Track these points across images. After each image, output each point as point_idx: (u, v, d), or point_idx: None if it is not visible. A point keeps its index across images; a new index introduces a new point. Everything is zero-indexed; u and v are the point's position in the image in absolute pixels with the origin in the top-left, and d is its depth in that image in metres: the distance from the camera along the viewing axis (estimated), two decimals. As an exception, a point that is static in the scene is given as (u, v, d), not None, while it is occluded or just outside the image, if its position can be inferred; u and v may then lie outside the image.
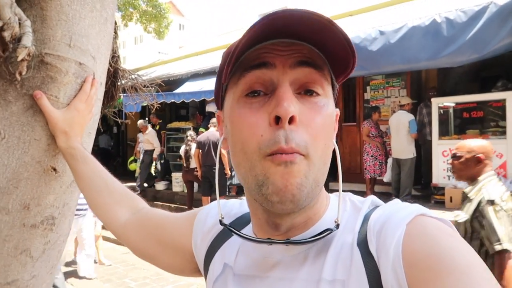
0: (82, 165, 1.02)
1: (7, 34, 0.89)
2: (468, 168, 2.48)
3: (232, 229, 0.67)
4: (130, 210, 0.97)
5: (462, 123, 6.81)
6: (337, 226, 0.61)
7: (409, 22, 5.66)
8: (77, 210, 4.68)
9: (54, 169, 1.09)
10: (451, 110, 6.91)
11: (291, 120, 0.55)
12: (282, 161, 0.56)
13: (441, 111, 6.87)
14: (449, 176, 6.50)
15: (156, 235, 0.90)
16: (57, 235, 1.18)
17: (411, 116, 6.98)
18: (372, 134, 7.59)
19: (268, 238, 0.63)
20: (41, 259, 1.14)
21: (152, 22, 13.13)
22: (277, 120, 0.56)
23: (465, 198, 2.48)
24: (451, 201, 6.11)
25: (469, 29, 5.16)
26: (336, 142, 0.68)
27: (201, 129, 8.88)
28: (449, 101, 6.92)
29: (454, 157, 2.56)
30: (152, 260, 0.93)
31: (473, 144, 2.52)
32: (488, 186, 2.32)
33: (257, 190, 0.59)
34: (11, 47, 0.92)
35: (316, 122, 0.58)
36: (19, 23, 0.92)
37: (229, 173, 7.14)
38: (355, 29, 6.36)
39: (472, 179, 2.47)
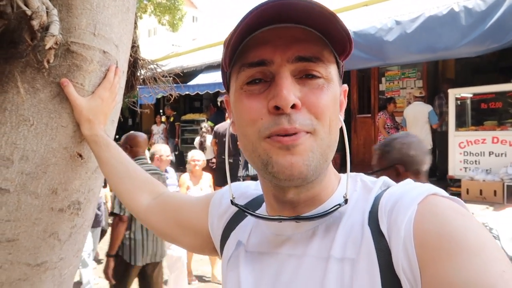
0: (105, 152, 1.05)
1: (35, 23, 0.92)
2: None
3: (243, 207, 0.69)
4: (151, 195, 1.01)
5: (480, 114, 6.70)
6: (346, 201, 0.62)
7: (426, 12, 5.56)
8: None
9: (80, 155, 1.12)
10: (468, 101, 6.80)
11: (293, 106, 0.57)
12: (284, 144, 0.57)
13: (458, 102, 6.76)
14: (465, 168, 6.42)
15: (175, 218, 0.94)
16: (82, 219, 1.21)
17: (429, 107, 6.89)
18: (387, 125, 7.52)
19: (278, 216, 0.64)
20: (68, 242, 1.17)
21: (166, 14, 13.17)
22: (277, 108, 0.57)
23: None
24: (467, 193, 6.04)
25: (489, 18, 5.05)
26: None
27: (209, 123, 8.90)
28: (467, 92, 6.81)
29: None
30: (174, 241, 0.97)
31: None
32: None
33: (263, 169, 0.61)
34: (39, 36, 0.95)
35: (319, 101, 0.59)
36: (47, 12, 0.94)
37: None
38: (371, 19, 6.28)
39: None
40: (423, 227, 0.52)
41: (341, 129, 0.65)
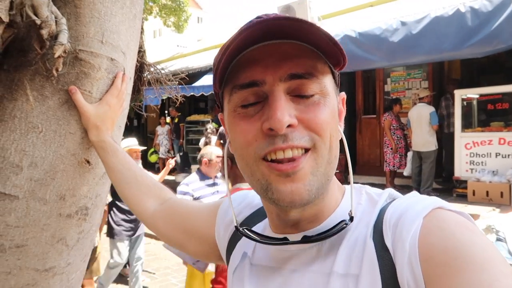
0: (112, 158, 1.06)
1: (44, 32, 0.93)
2: None
3: (247, 234, 0.67)
4: (158, 200, 1.01)
5: (486, 115, 6.67)
6: (351, 219, 0.61)
7: (432, 12, 5.53)
8: None
9: (88, 162, 1.14)
10: (474, 102, 6.77)
11: (289, 126, 0.56)
12: (283, 172, 0.56)
13: (465, 103, 6.73)
14: (472, 169, 6.39)
15: (182, 224, 0.94)
16: (90, 224, 1.23)
17: (432, 108, 6.87)
18: (393, 126, 7.51)
19: (284, 238, 0.63)
20: (76, 247, 1.19)
21: (171, 16, 13.23)
22: (271, 129, 0.56)
23: None
24: (473, 194, 6.01)
25: (495, 19, 5.01)
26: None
27: (214, 124, 8.91)
28: (473, 93, 6.77)
29: None
30: (180, 247, 0.97)
31: None
32: None
33: (263, 194, 0.60)
34: (48, 44, 0.96)
35: (317, 118, 0.58)
36: (56, 21, 0.95)
37: None
38: (376, 20, 6.26)
39: None
40: (428, 241, 0.51)
41: (341, 141, 0.65)
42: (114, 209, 4.30)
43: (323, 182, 0.59)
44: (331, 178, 0.62)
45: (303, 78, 0.57)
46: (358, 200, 0.67)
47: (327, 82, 0.60)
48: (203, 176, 3.84)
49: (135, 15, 1.21)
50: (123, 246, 4.33)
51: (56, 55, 0.95)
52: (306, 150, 0.58)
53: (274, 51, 0.57)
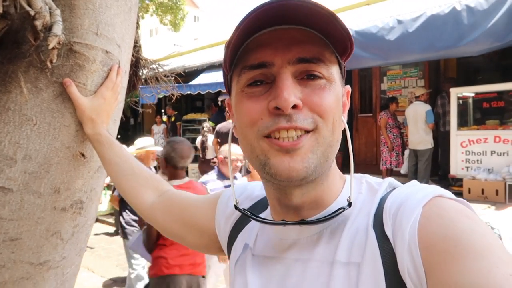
0: (108, 151, 1.06)
1: (38, 23, 0.92)
2: None
3: (247, 212, 0.68)
4: (155, 192, 1.01)
5: (482, 113, 6.69)
6: (349, 204, 0.62)
7: (428, 11, 5.54)
8: None
9: (83, 155, 1.13)
10: (470, 100, 6.79)
11: (294, 107, 0.57)
12: (283, 148, 0.57)
13: (460, 101, 6.75)
14: (467, 167, 6.41)
15: (181, 217, 0.94)
16: (85, 218, 1.22)
17: (428, 107, 6.89)
18: (389, 124, 7.52)
19: (282, 220, 0.64)
20: (71, 241, 1.18)
21: (167, 14, 13.20)
22: (277, 108, 0.57)
23: None
24: (469, 192, 6.03)
25: (491, 17, 5.03)
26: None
27: (210, 123, 8.90)
28: (469, 91, 6.79)
29: None
30: (180, 239, 0.97)
31: None
32: None
33: (262, 170, 0.61)
34: (42, 36, 0.95)
35: (322, 101, 0.59)
36: (50, 12, 0.94)
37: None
38: (372, 18, 6.26)
39: None
40: (428, 229, 0.52)
41: (344, 131, 0.65)
42: (127, 210, 4.25)
43: (321, 161, 0.59)
44: (331, 161, 0.63)
45: (311, 63, 0.59)
46: (358, 190, 0.67)
47: (334, 70, 0.62)
48: (221, 176, 3.56)
49: (130, 8, 1.21)
50: None
51: (50, 47, 0.94)
52: (308, 132, 0.59)
53: (282, 36, 0.59)
